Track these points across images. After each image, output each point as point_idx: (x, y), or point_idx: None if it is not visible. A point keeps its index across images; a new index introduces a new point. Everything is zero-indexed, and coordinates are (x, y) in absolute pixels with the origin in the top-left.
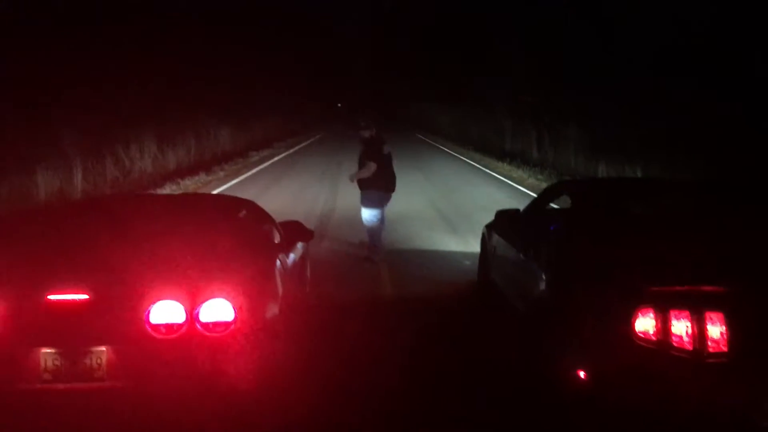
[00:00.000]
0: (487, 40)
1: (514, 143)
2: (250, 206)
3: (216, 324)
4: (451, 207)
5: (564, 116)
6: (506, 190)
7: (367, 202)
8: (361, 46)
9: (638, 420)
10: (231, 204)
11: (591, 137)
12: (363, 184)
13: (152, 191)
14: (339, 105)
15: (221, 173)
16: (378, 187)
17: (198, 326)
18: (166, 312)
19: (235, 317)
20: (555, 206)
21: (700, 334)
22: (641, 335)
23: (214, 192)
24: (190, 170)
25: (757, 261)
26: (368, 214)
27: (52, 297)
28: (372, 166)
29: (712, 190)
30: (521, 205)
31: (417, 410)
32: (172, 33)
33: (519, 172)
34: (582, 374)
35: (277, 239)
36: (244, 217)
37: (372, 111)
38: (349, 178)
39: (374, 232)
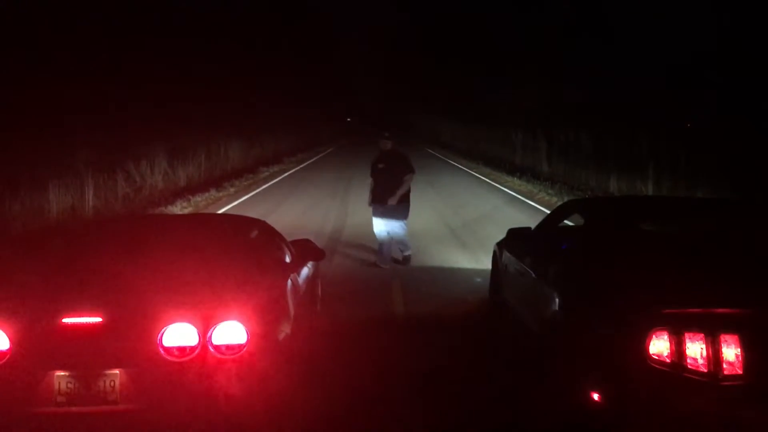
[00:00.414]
0: (498, 54)
1: (524, 157)
2: (262, 226)
3: (229, 347)
4: (462, 222)
5: (575, 129)
6: (516, 205)
7: (372, 213)
8: (370, 60)
9: None
10: (242, 224)
11: (602, 151)
12: (370, 194)
13: (163, 208)
14: (348, 119)
15: (231, 189)
16: (371, 199)
17: (211, 349)
18: (179, 335)
19: (248, 339)
20: (569, 222)
21: (715, 357)
22: (655, 357)
23: (225, 209)
24: (201, 187)
25: None
26: (374, 224)
27: (66, 320)
28: (370, 180)
29: (727, 208)
30: (532, 221)
31: (428, 430)
32: (184, 51)
33: (529, 187)
34: (596, 396)
35: (288, 259)
36: (256, 237)
37: (392, 128)
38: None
39: (382, 241)
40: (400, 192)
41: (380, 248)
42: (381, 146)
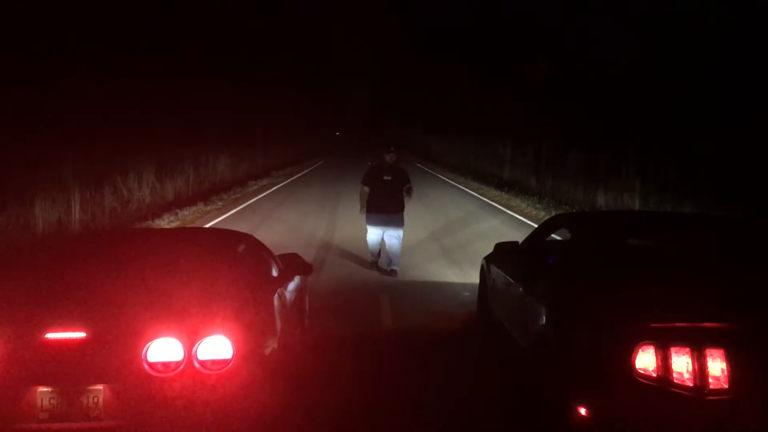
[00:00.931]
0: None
1: (512, 172)
2: (249, 240)
3: (214, 362)
4: (450, 236)
5: (564, 144)
6: (505, 219)
7: (367, 221)
8: (360, 74)
9: None
10: (229, 238)
11: (590, 166)
12: (367, 206)
13: (150, 222)
14: (337, 133)
15: (220, 203)
16: (373, 208)
17: (196, 364)
18: (164, 350)
19: (234, 354)
20: (556, 237)
21: (700, 371)
22: (641, 371)
23: (213, 223)
24: (189, 200)
25: (759, 297)
26: (370, 232)
27: (49, 335)
28: (364, 190)
29: (713, 223)
30: (520, 235)
31: None
32: (172, 62)
33: (517, 201)
34: (582, 411)
35: (275, 273)
36: (243, 251)
37: (381, 142)
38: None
39: (374, 247)
40: (408, 204)
41: (373, 253)
42: (387, 159)
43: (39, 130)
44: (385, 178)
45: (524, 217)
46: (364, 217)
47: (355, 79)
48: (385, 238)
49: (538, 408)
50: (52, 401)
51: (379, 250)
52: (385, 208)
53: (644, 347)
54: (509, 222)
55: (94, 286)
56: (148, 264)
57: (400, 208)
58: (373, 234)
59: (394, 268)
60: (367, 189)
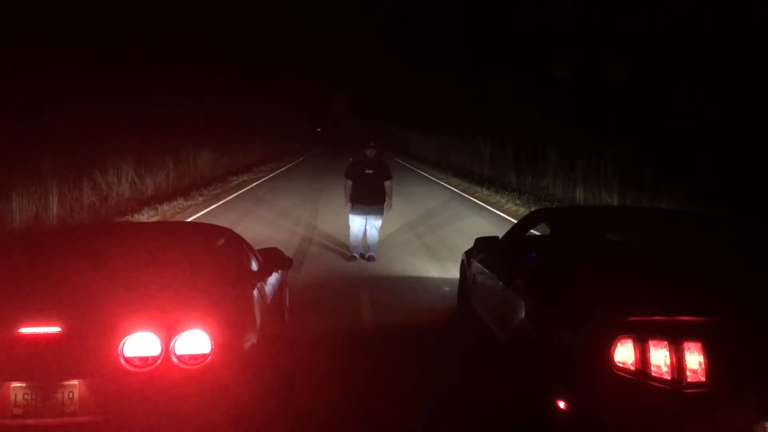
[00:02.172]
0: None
1: (492, 169)
2: (228, 234)
3: (192, 356)
4: (431, 232)
5: (542, 141)
6: (485, 215)
7: (351, 211)
8: (342, 71)
9: None
10: (208, 232)
11: (569, 162)
12: (350, 197)
13: (129, 217)
14: (318, 130)
15: (200, 199)
16: (356, 199)
17: (173, 359)
18: (141, 344)
19: (212, 349)
20: (536, 232)
21: (678, 364)
22: (620, 365)
23: (193, 218)
24: (168, 196)
25: (736, 290)
26: (353, 221)
27: (22, 330)
28: (347, 183)
29: (691, 219)
30: (500, 231)
31: None
32: (152, 56)
33: (497, 197)
34: (561, 404)
35: (255, 267)
36: (222, 246)
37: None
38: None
39: (356, 237)
40: (389, 196)
41: (354, 247)
42: (368, 153)
43: (15, 123)
44: (367, 171)
45: (504, 213)
46: (346, 210)
47: (335, 76)
48: (367, 227)
49: (517, 401)
50: (26, 397)
51: (361, 240)
52: (368, 199)
53: (623, 341)
54: (490, 218)
55: (69, 280)
56: (125, 258)
57: (381, 200)
58: (357, 223)
59: (371, 254)
60: (350, 182)
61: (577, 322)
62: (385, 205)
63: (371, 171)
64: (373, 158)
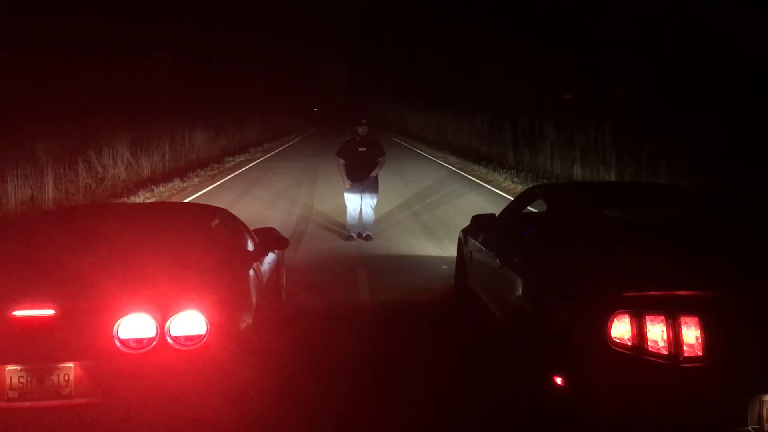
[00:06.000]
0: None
1: (490, 147)
2: (223, 214)
3: (188, 337)
4: (428, 211)
5: (540, 118)
6: (483, 193)
7: (349, 190)
8: (339, 49)
9: (615, 426)
10: (203, 212)
11: (567, 139)
12: (346, 175)
13: (125, 198)
14: (315, 109)
15: (196, 180)
16: (349, 177)
17: (169, 340)
18: (136, 326)
19: (208, 330)
20: (532, 209)
21: (675, 339)
22: (617, 340)
23: (189, 199)
24: (165, 177)
25: (732, 265)
26: (349, 200)
27: (17, 313)
28: (340, 162)
29: (688, 194)
30: (497, 209)
31: (395, 422)
32: (149, 36)
33: (495, 175)
34: (559, 380)
35: (251, 247)
36: (217, 226)
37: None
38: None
39: (353, 216)
40: (378, 170)
41: (351, 226)
42: (360, 131)
43: (9, 105)
44: (360, 149)
45: (502, 191)
46: (342, 190)
47: (332, 55)
48: (362, 206)
49: (514, 378)
50: (21, 379)
51: (357, 219)
52: (361, 177)
53: (620, 316)
54: (487, 195)
55: (63, 262)
56: (120, 239)
57: (375, 178)
58: (353, 201)
59: (369, 233)
60: (342, 161)
61: (574, 298)
62: (372, 172)
63: (364, 149)
64: (366, 136)
